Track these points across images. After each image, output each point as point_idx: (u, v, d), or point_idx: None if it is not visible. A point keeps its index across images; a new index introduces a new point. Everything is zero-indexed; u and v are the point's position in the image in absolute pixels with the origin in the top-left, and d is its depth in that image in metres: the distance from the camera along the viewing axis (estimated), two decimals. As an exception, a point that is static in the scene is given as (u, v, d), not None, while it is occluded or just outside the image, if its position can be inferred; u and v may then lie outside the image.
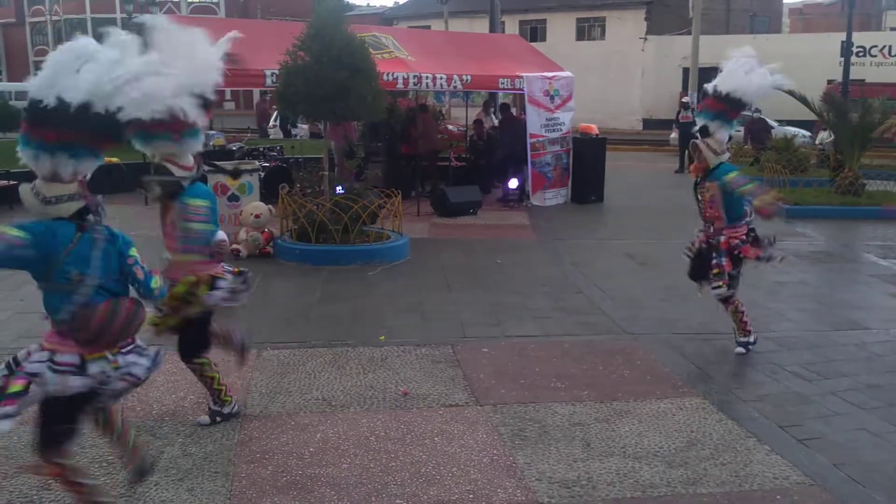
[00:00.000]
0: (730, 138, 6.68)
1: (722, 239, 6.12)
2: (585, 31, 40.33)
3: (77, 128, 3.24)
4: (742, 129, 20.69)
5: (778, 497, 4.12)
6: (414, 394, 5.41)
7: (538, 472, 4.33)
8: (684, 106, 20.90)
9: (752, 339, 6.37)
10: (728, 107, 6.17)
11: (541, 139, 13.99)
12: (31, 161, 3.31)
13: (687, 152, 6.09)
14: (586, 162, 14.45)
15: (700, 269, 6.35)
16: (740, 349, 6.33)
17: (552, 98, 14.12)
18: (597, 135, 15.49)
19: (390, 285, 8.41)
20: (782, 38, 41.49)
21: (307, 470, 4.30)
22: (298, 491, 4.08)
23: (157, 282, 3.59)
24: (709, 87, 6.33)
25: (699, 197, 6.28)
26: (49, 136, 3.25)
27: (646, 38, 37.99)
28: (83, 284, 3.30)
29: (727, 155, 6.20)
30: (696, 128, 6.31)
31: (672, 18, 37.54)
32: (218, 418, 4.85)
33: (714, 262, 6.15)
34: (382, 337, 6.63)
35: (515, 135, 14.01)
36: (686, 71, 29.84)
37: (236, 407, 4.96)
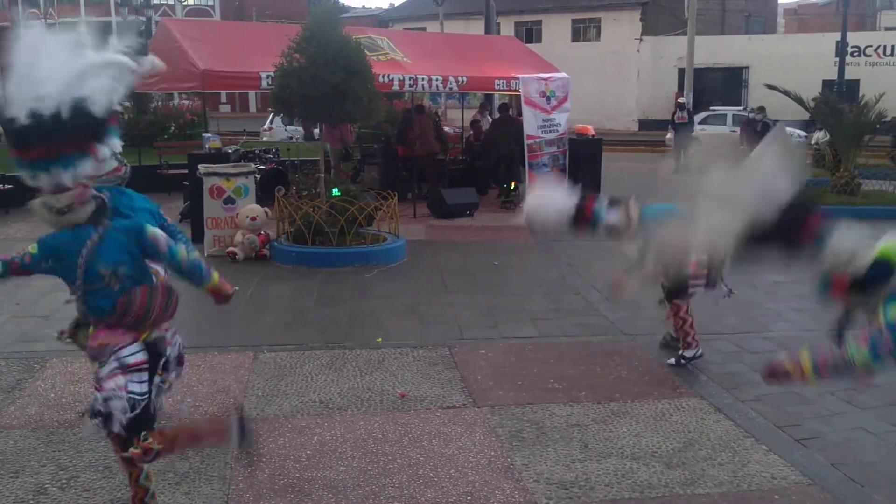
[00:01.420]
0: None
1: None
2: (581, 32, 40.39)
3: (59, 138, 3.21)
4: (738, 129, 20.71)
5: (776, 497, 4.12)
6: (411, 396, 5.40)
7: (536, 473, 4.33)
8: (680, 106, 20.92)
9: (691, 353, 6.05)
10: None
11: (537, 140, 13.98)
12: (32, 180, 3.31)
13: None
14: (583, 163, 14.43)
15: None
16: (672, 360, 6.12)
17: (548, 99, 14.12)
18: (593, 136, 15.47)
19: (387, 287, 8.40)
20: (777, 38, 41.64)
21: (304, 473, 4.29)
22: (296, 494, 4.06)
23: (182, 253, 3.50)
24: None
25: None
26: (34, 154, 3.24)
27: (641, 39, 38.07)
28: (116, 278, 3.34)
29: None
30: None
31: (667, 19, 37.63)
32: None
33: None
34: (380, 339, 6.62)
35: (507, 135, 14.00)
36: (682, 72, 29.87)
37: None
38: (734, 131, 20.79)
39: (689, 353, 6.03)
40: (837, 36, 26.81)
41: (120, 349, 3.39)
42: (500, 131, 14.31)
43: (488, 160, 14.64)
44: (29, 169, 3.28)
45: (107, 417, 3.31)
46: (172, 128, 20.76)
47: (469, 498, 4.05)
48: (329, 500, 4.01)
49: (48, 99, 3.16)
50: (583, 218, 5.56)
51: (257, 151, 14.91)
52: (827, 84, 26.92)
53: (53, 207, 3.28)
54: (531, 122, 13.84)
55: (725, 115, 25.96)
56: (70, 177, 3.28)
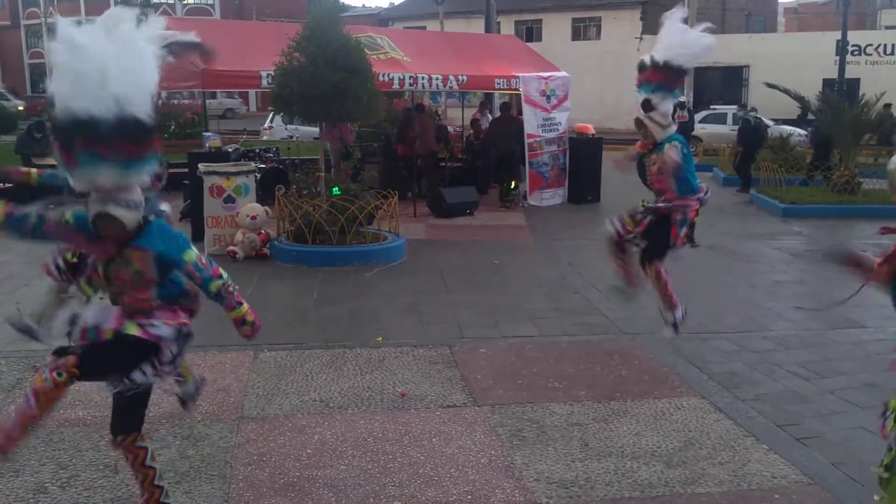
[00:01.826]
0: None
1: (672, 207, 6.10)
2: (581, 31, 40.33)
3: (146, 138, 3.21)
4: (736, 128, 20.69)
5: (776, 496, 4.12)
6: (412, 395, 5.40)
7: (536, 472, 4.33)
8: (680, 105, 20.89)
9: (679, 313, 6.25)
10: (667, 75, 6.02)
11: (538, 139, 13.99)
12: (121, 180, 3.23)
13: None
14: (583, 162, 14.45)
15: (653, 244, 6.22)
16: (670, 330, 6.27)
17: (548, 98, 14.13)
18: (593, 134, 15.49)
19: (387, 286, 8.40)
20: (778, 37, 41.59)
21: (305, 472, 4.29)
22: (296, 493, 4.07)
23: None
24: (645, 58, 6.15)
25: (647, 171, 6.17)
26: (124, 151, 3.17)
27: (641, 38, 37.93)
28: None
29: (674, 126, 6.10)
30: (639, 102, 6.16)
31: (668, 18, 37.56)
32: None
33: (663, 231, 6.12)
34: (380, 338, 6.63)
35: (507, 134, 14.00)
36: (682, 70, 29.82)
37: None
38: (733, 129, 20.75)
39: (678, 314, 6.20)
40: (838, 35, 26.74)
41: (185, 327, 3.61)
42: (500, 130, 14.31)
43: (488, 159, 14.64)
44: (111, 167, 3.17)
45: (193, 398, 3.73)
46: (173, 126, 20.75)
47: (469, 497, 4.05)
48: (329, 499, 4.01)
49: (138, 99, 3.12)
50: None
51: (257, 150, 14.92)
52: (827, 83, 26.88)
53: (134, 202, 3.31)
54: (531, 121, 13.86)
55: (725, 114, 25.92)
56: (145, 177, 3.37)
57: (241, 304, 3.55)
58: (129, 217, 3.30)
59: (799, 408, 5.28)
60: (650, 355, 6.31)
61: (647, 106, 6.02)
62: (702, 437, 4.81)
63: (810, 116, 16.54)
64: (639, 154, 6.26)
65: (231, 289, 3.50)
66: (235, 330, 3.62)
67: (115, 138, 3.08)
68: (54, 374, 3.32)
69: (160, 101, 3.43)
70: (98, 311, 3.55)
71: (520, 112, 14.47)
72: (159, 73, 3.23)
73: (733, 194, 15.96)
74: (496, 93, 16.10)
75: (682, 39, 6.07)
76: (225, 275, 3.51)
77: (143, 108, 3.13)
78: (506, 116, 14.78)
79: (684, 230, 6.10)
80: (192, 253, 3.43)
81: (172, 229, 3.64)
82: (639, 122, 6.06)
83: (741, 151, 16.57)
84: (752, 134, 16.46)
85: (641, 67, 6.19)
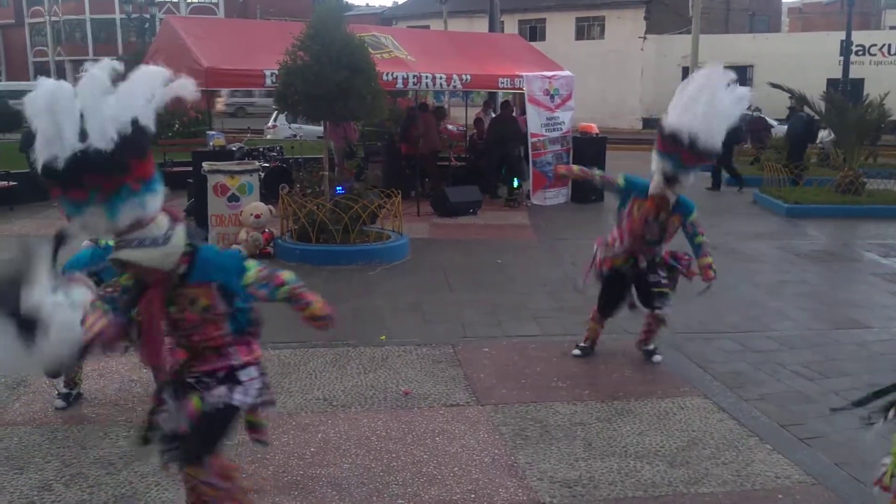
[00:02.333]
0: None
1: (664, 252, 5.84)
2: (585, 31, 40.32)
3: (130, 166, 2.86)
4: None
5: (780, 496, 4.12)
6: (415, 393, 5.40)
7: (539, 471, 4.33)
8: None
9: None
10: (683, 151, 5.35)
11: (541, 138, 13.99)
12: (111, 219, 2.89)
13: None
14: (586, 161, 14.29)
15: (618, 295, 5.98)
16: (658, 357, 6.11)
17: (552, 97, 14.12)
18: (597, 134, 15.48)
19: (391, 285, 8.40)
20: (781, 37, 41.50)
21: (308, 470, 4.30)
22: (300, 491, 4.07)
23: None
24: (664, 123, 5.50)
25: (645, 222, 5.66)
26: (135, 177, 2.88)
27: (645, 38, 37.99)
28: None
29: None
30: (660, 176, 5.58)
31: (671, 17, 37.56)
32: None
33: (654, 279, 5.82)
34: (383, 337, 6.63)
35: (507, 133, 14.00)
36: (686, 70, 29.75)
37: None
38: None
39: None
40: (842, 35, 26.70)
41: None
42: (499, 130, 14.32)
43: (490, 159, 14.64)
44: (95, 208, 2.86)
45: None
46: (177, 125, 20.78)
47: (473, 496, 4.06)
48: (332, 498, 4.02)
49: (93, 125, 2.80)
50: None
51: (261, 149, 14.93)
52: (831, 83, 26.85)
53: (158, 238, 2.99)
54: (535, 120, 13.85)
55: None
56: (150, 208, 2.99)
57: (310, 302, 3.41)
58: (151, 257, 2.96)
59: (803, 408, 5.28)
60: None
61: (672, 181, 5.55)
62: (705, 436, 4.81)
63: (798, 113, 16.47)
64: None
65: (298, 291, 3.36)
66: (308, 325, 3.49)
67: (78, 175, 2.77)
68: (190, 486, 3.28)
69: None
70: (167, 421, 3.28)
71: (523, 112, 14.47)
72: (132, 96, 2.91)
73: (734, 194, 15.93)
74: (500, 92, 16.08)
75: (706, 112, 5.22)
76: (289, 276, 3.36)
77: (101, 136, 2.77)
78: (506, 115, 14.79)
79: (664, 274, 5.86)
80: (252, 271, 3.23)
81: (223, 252, 3.47)
82: (662, 199, 5.62)
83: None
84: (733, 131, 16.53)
85: (659, 130, 5.68)
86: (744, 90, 5.37)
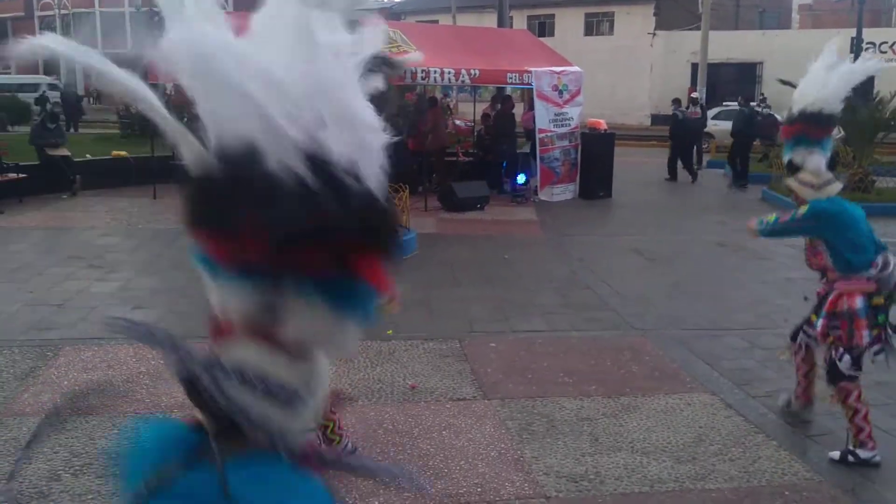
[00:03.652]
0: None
1: (832, 296, 4.54)
2: (594, 27, 40.20)
3: None
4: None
5: (786, 492, 4.12)
6: (422, 388, 5.42)
7: (546, 466, 4.34)
8: (692, 101, 20.81)
9: (870, 454, 4.43)
10: (805, 125, 4.81)
11: (549, 134, 13.97)
12: None
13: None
14: (595, 157, 14.42)
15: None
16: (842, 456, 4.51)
17: (561, 93, 14.09)
18: (605, 130, 15.45)
19: (398, 280, 8.38)
20: (792, 33, 41.28)
21: (315, 463, 4.30)
22: (307, 483, 4.08)
23: None
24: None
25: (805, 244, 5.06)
26: None
27: (654, 34, 37.85)
28: None
29: (833, 187, 4.60)
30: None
31: (681, 13, 37.42)
32: None
33: (823, 323, 4.58)
34: (390, 331, 6.64)
35: (507, 129, 14.03)
36: (695, 66, 29.70)
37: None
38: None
39: (862, 454, 4.43)
40: (852, 32, 26.53)
41: None
42: (499, 125, 14.34)
43: (496, 154, 14.65)
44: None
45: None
46: (185, 118, 20.82)
47: (479, 490, 4.06)
48: (338, 491, 4.02)
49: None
50: None
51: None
52: (841, 80, 26.72)
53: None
54: (543, 116, 13.83)
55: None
56: None
57: None
58: None
59: (810, 405, 5.26)
60: (660, 351, 6.30)
61: (791, 167, 4.86)
62: (712, 433, 4.81)
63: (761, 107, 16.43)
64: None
65: None
66: None
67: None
68: None
69: (170, 93, 2.62)
70: None
71: (531, 107, 14.45)
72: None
73: (741, 192, 15.86)
74: (508, 87, 16.07)
75: (826, 80, 4.84)
76: None
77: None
78: (502, 111, 14.79)
79: (823, 322, 4.57)
80: None
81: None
82: (789, 189, 4.90)
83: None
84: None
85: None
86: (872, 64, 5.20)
